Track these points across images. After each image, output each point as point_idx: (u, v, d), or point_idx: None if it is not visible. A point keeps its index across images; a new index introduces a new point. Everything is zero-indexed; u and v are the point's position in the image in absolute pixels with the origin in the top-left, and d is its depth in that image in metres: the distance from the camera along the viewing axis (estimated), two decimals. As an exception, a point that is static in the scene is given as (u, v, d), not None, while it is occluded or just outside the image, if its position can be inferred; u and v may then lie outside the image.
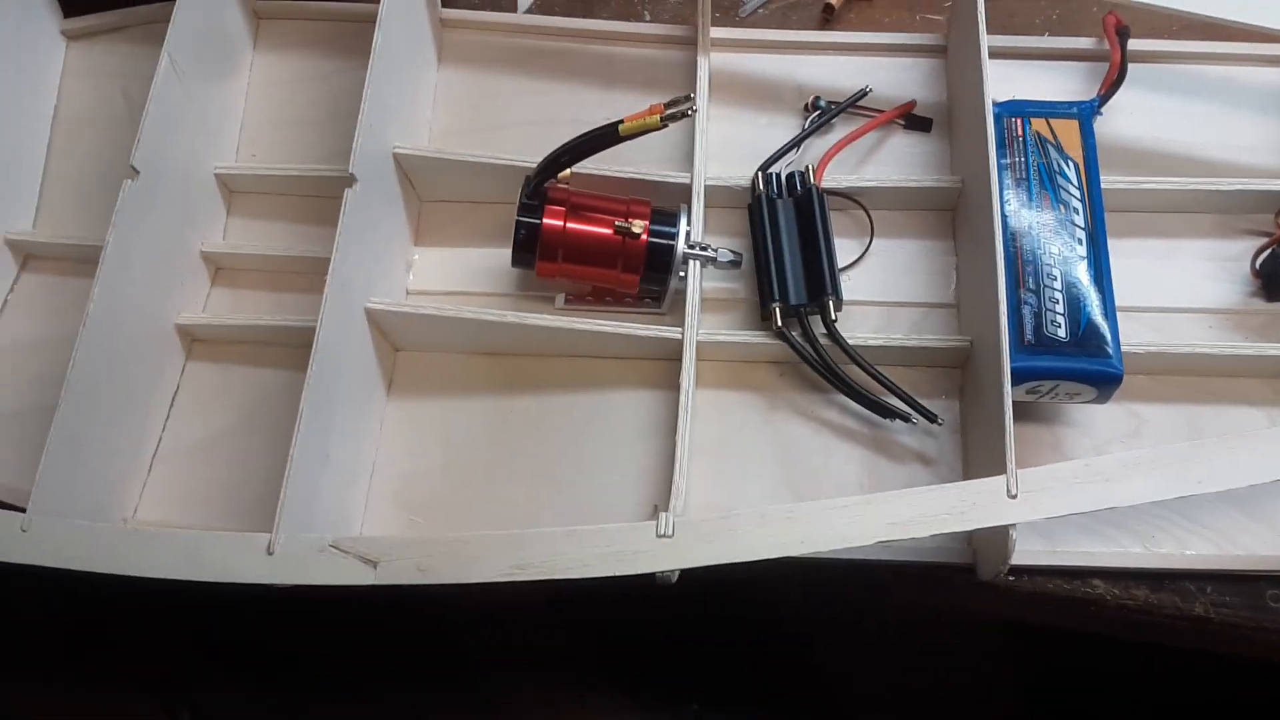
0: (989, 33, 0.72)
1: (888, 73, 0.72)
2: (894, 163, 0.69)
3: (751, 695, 1.07)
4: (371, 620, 1.07)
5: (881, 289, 0.66)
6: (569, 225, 0.61)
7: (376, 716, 1.11)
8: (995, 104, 0.62)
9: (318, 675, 1.13)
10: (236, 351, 0.67)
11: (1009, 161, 0.61)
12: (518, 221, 0.61)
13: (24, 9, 0.72)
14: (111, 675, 1.04)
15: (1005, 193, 0.60)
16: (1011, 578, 0.59)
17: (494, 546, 0.51)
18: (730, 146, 0.69)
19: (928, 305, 0.65)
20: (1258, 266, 0.62)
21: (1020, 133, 0.61)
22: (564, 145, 0.60)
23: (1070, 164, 0.60)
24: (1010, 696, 1.02)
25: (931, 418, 0.59)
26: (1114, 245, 0.64)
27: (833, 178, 0.66)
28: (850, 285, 0.65)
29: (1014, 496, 0.50)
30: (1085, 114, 0.62)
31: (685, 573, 0.52)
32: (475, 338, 0.65)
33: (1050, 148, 0.61)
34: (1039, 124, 0.61)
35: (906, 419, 0.60)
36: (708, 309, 0.66)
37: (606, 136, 0.58)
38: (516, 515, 0.61)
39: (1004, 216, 0.59)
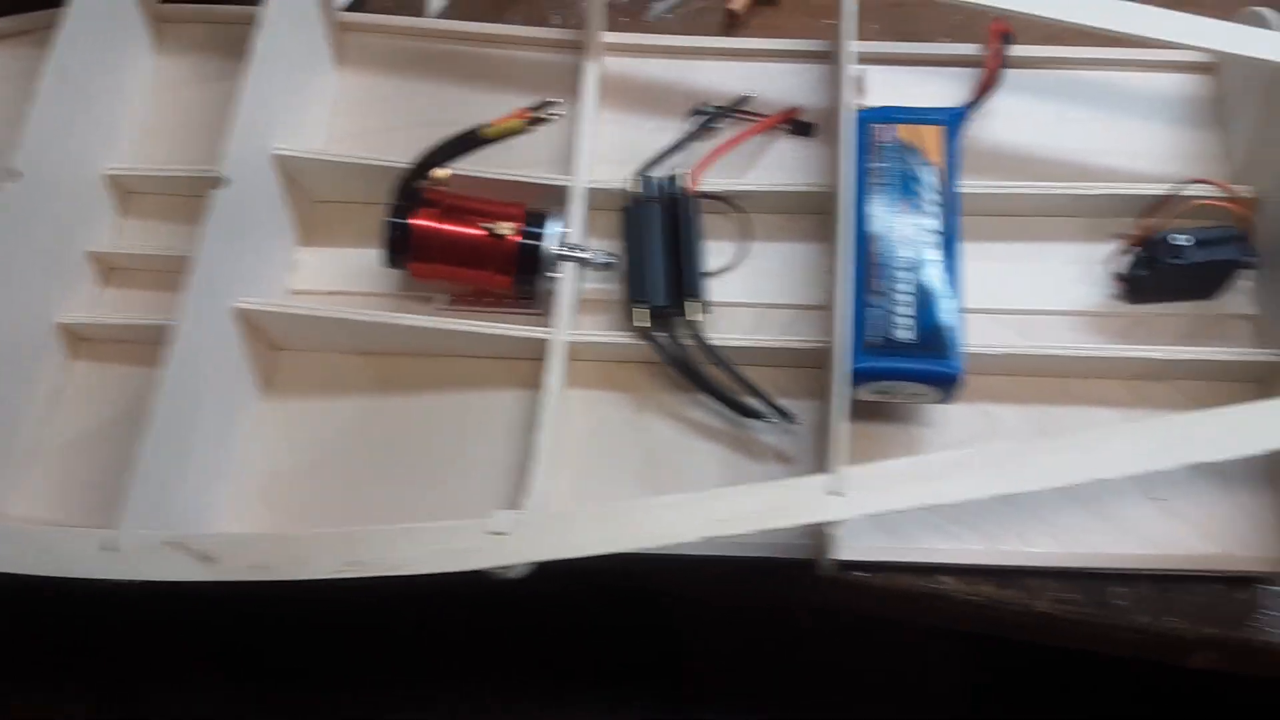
0: (888, 39, 0.74)
1: (782, 79, 0.73)
2: (777, 168, 0.70)
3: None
4: (323, 616, 1.08)
5: (757, 291, 0.67)
6: (439, 226, 0.62)
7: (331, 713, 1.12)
8: (862, 111, 0.63)
9: (274, 676, 1.15)
10: (119, 351, 0.68)
11: (872, 166, 0.62)
12: (388, 222, 0.62)
13: None
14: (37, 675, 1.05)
15: (866, 197, 0.61)
16: (866, 574, 0.60)
17: (327, 544, 0.52)
18: (622, 150, 0.70)
19: (802, 307, 0.66)
20: (1118, 271, 0.63)
21: (884, 138, 0.62)
22: (432, 147, 0.61)
23: (931, 170, 0.61)
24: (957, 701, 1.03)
25: (788, 417, 0.60)
26: (983, 249, 0.65)
27: (716, 182, 0.67)
28: (726, 288, 0.66)
29: (837, 494, 0.51)
30: (951, 121, 0.63)
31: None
32: (352, 338, 0.66)
33: (913, 154, 0.61)
34: (904, 130, 0.62)
35: (764, 418, 0.61)
36: (588, 310, 0.67)
37: (471, 139, 0.60)
38: (382, 514, 0.62)
39: (861, 220, 0.60)
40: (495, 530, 0.51)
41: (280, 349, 0.68)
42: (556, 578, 0.59)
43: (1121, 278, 0.63)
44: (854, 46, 0.64)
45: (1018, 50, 0.70)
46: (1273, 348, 0.60)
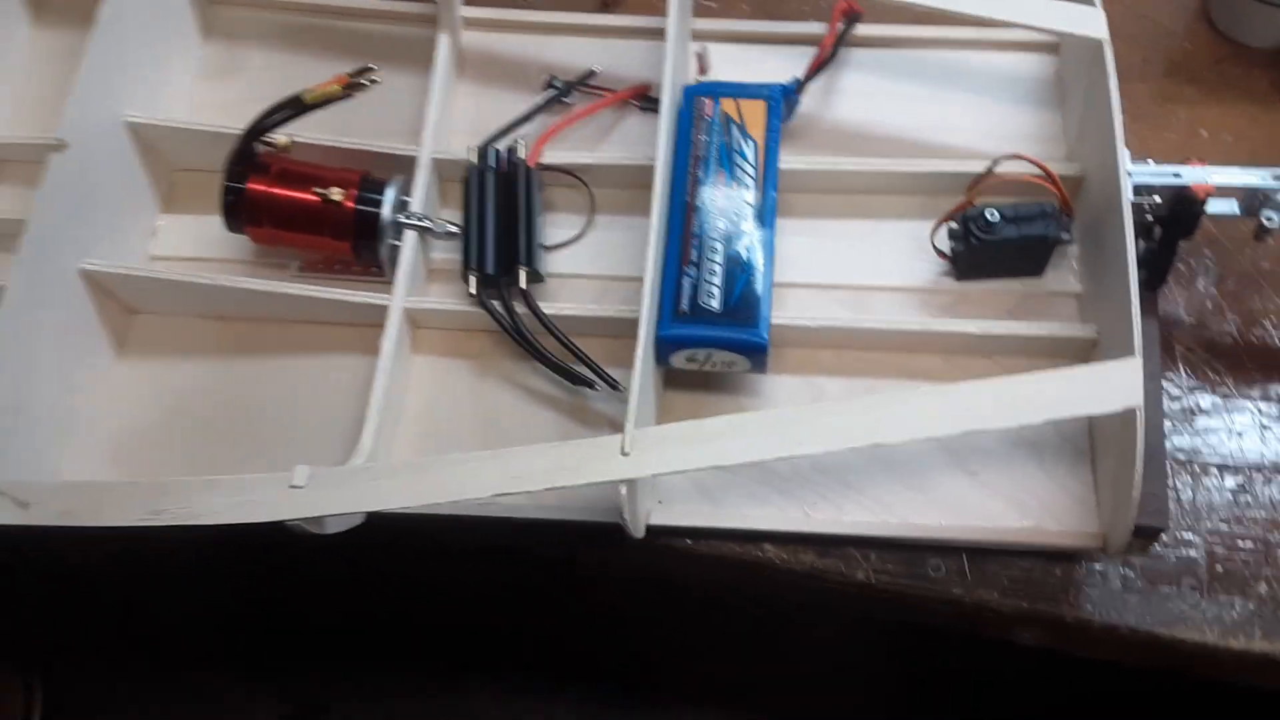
0: (758, 19, 0.75)
1: (639, 55, 0.74)
2: (626, 142, 0.71)
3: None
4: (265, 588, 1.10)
5: (601, 263, 0.68)
6: (273, 190, 0.64)
7: (270, 685, 1.14)
8: (688, 86, 0.65)
9: (181, 639, 1.17)
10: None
11: (696, 139, 0.63)
12: (223, 186, 0.64)
13: None
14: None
15: (687, 170, 0.62)
16: (690, 541, 0.61)
17: (134, 493, 0.53)
18: (477, 122, 0.71)
19: (640, 280, 0.67)
20: (943, 248, 0.64)
21: (709, 113, 0.63)
22: (262, 112, 0.62)
23: (750, 143, 0.62)
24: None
25: (614, 385, 0.61)
26: (815, 225, 0.67)
27: (562, 155, 0.69)
28: (571, 259, 0.68)
29: (626, 454, 0.52)
30: (775, 96, 0.64)
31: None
32: (201, 302, 0.67)
33: (734, 127, 0.62)
34: (727, 104, 0.63)
35: (592, 386, 0.62)
36: (438, 279, 0.68)
37: (295, 104, 0.61)
38: (226, 473, 0.63)
39: (680, 192, 0.61)
40: (292, 484, 0.53)
41: (135, 312, 0.69)
42: (384, 531, 0.61)
43: (943, 254, 0.63)
44: (680, 23, 0.65)
45: (866, 29, 0.71)
46: (1094, 324, 0.61)
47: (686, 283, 0.58)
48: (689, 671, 1.11)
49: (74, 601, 1.16)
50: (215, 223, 0.71)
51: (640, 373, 0.55)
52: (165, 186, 0.72)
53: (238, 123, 0.67)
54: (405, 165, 0.67)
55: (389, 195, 0.64)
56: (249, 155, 0.63)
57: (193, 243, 0.71)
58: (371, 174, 0.66)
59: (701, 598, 0.71)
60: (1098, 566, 0.59)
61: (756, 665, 1.09)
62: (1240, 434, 0.62)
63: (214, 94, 0.75)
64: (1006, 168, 0.62)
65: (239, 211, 0.64)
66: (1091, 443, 0.60)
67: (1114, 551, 0.56)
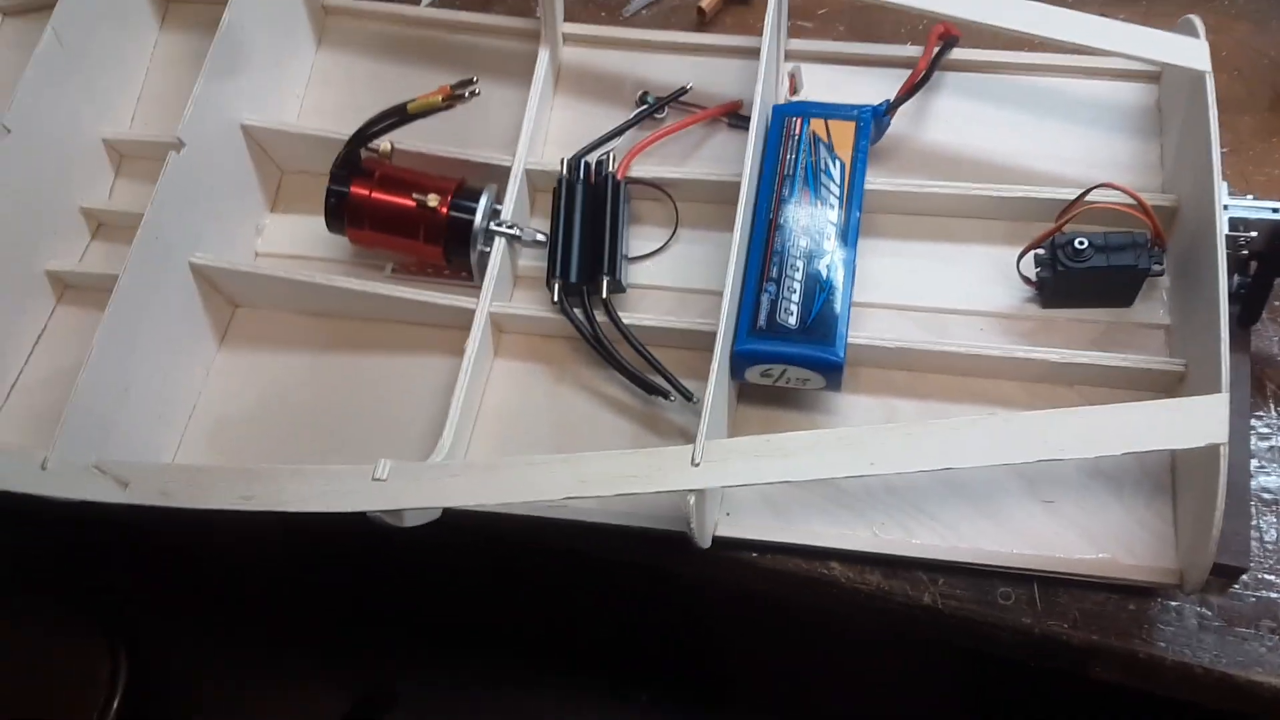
0: (851, 40, 0.76)
1: (732, 74, 0.75)
2: (714, 159, 0.72)
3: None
4: (340, 563, 1.14)
5: (683, 276, 0.69)
6: (374, 195, 0.66)
7: (343, 670, 1.18)
8: (778, 105, 0.65)
9: (261, 619, 1.21)
10: (102, 299, 0.73)
11: (783, 158, 0.63)
12: (327, 189, 0.67)
13: None
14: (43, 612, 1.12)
15: (772, 188, 0.63)
16: (755, 553, 0.62)
17: (228, 478, 0.56)
18: (573, 134, 0.73)
19: (719, 293, 0.68)
20: (1029, 274, 0.63)
21: (797, 132, 0.64)
22: (368, 121, 0.65)
23: (837, 163, 0.62)
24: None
25: (688, 395, 0.62)
26: (898, 246, 0.67)
27: (650, 169, 0.70)
28: (654, 271, 0.69)
29: (696, 465, 0.53)
30: (864, 118, 0.64)
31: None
32: (296, 297, 0.70)
33: (822, 147, 0.63)
34: (816, 124, 0.64)
35: (666, 395, 0.63)
36: (523, 285, 0.70)
37: (397, 112, 0.64)
38: (313, 462, 0.66)
39: (764, 210, 0.62)
40: (376, 477, 0.55)
41: (237, 305, 0.73)
42: (462, 530, 0.63)
43: (1029, 280, 0.63)
44: (775, 43, 0.66)
45: (962, 54, 0.71)
46: (1182, 358, 0.60)
47: (765, 299, 0.59)
48: (754, 681, 1.11)
49: (162, 572, 1.21)
50: (317, 223, 0.74)
51: (715, 385, 0.56)
52: (273, 186, 0.76)
53: (344, 128, 0.70)
54: (499, 174, 0.70)
55: (482, 203, 0.66)
56: (353, 160, 0.66)
57: (295, 241, 0.75)
58: (467, 182, 0.68)
59: (766, 607, 0.72)
60: (1173, 604, 0.58)
61: (818, 677, 1.08)
62: (1331, 477, 0.60)
63: (323, 100, 0.79)
64: (1098, 196, 0.61)
65: (341, 214, 0.67)
66: (1173, 478, 0.59)
67: (1191, 589, 0.54)
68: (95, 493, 0.57)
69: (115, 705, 0.93)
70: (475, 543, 0.77)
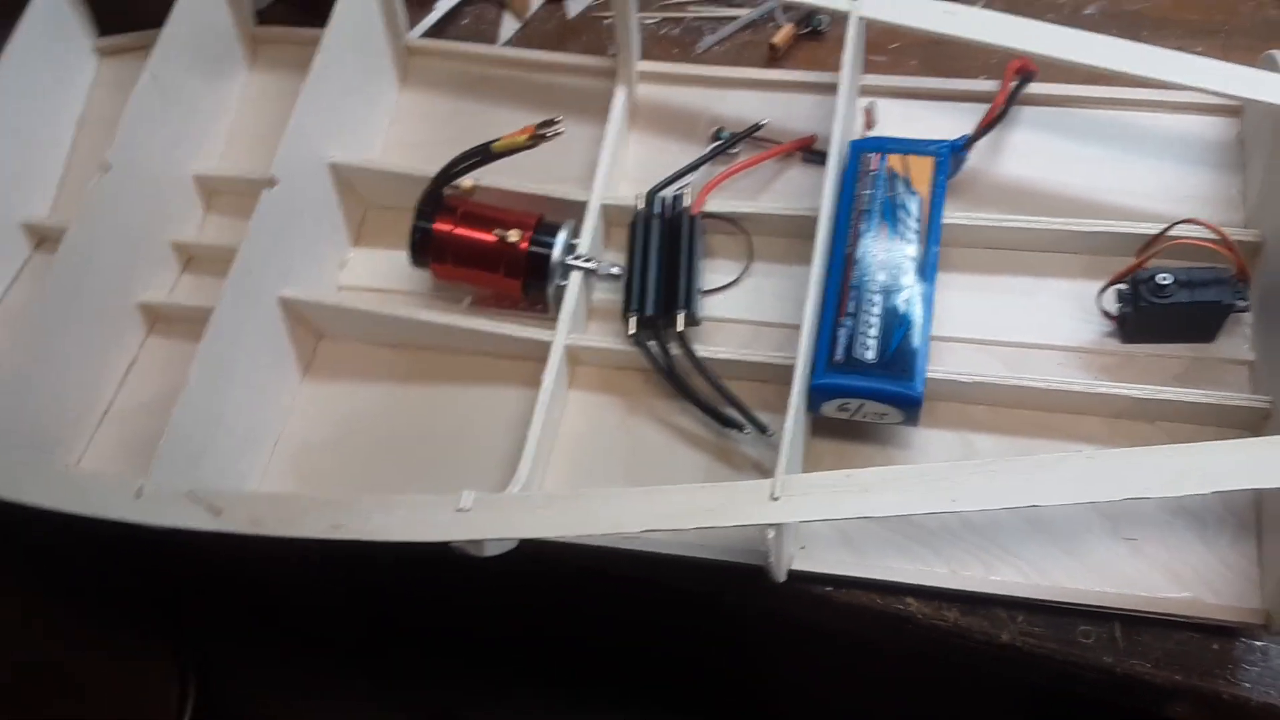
0: (925, 75, 0.76)
1: (806, 109, 0.76)
2: (788, 193, 0.73)
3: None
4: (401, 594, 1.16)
5: (756, 309, 0.70)
6: (455, 230, 0.68)
7: (397, 692, 1.19)
8: (855, 141, 0.66)
9: (332, 647, 1.23)
10: (191, 330, 0.76)
11: (860, 193, 0.64)
12: (412, 225, 0.69)
13: (58, 28, 0.84)
14: (118, 636, 1.15)
15: (849, 222, 0.63)
16: (829, 588, 0.62)
17: (316, 508, 0.58)
18: (648, 170, 0.74)
19: (794, 327, 0.68)
20: (1110, 309, 0.63)
21: (874, 167, 0.64)
22: (453, 159, 0.67)
23: (915, 198, 0.63)
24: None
25: (763, 429, 0.63)
26: (977, 281, 0.67)
27: (725, 203, 0.71)
28: (727, 304, 0.70)
29: (776, 499, 0.53)
30: (943, 153, 0.65)
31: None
32: (379, 330, 0.72)
33: (899, 182, 0.63)
34: (894, 160, 0.64)
35: (740, 428, 0.63)
36: (597, 318, 0.71)
37: (483, 152, 0.65)
38: (394, 491, 0.68)
39: (841, 244, 0.62)
40: (460, 507, 0.56)
41: (322, 337, 0.75)
42: (541, 560, 0.64)
43: (1110, 315, 0.63)
44: (851, 79, 0.67)
45: (1039, 88, 0.71)
46: (1268, 394, 0.59)
47: (842, 333, 0.59)
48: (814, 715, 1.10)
49: (230, 597, 1.24)
50: (399, 257, 0.76)
51: (793, 419, 0.56)
52: (357, 221, 0.78)
53: (426, 164, 0.72)
54: (576, 210, 0.71)
55: (560, 238, 0.68)
56: (437, 197, 0.68)
57: (377, 275, 0.77)
58: (546, 218, 0.69)
59: (834, 646, 0.71)
60: (1259, 644, 0.57)
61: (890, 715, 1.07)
62: None
63: (406, 136, 0.81)
64: (1180, 231, 0.61)
65: (425, 249, 0.68)
66: (1258, 516, 0.58)
67: (1278, 630, 0.53)
68: (188, 520, 0.59)
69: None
70: (539, 569, 0.78)
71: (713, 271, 0.71)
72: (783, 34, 0.83)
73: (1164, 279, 0.59)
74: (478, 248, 0.68)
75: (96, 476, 0.62)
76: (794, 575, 0.61)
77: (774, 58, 0.84)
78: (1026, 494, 0.51)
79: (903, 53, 0.82)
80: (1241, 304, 0.59)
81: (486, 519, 0.56)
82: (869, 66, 0.78)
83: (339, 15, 0.73)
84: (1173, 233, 0.61)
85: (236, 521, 0.58)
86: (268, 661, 1.22)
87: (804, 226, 0.70)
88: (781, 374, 0.65)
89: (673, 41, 0.87)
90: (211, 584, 1.24)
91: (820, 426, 0.65)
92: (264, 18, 0.88)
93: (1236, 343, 0.63)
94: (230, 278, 0.66)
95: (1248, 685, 0.56)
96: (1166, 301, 0.59)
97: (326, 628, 1.24)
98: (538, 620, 1.19)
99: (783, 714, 1.11)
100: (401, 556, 0.62)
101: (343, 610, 1.24)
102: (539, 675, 1.18)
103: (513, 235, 0.67)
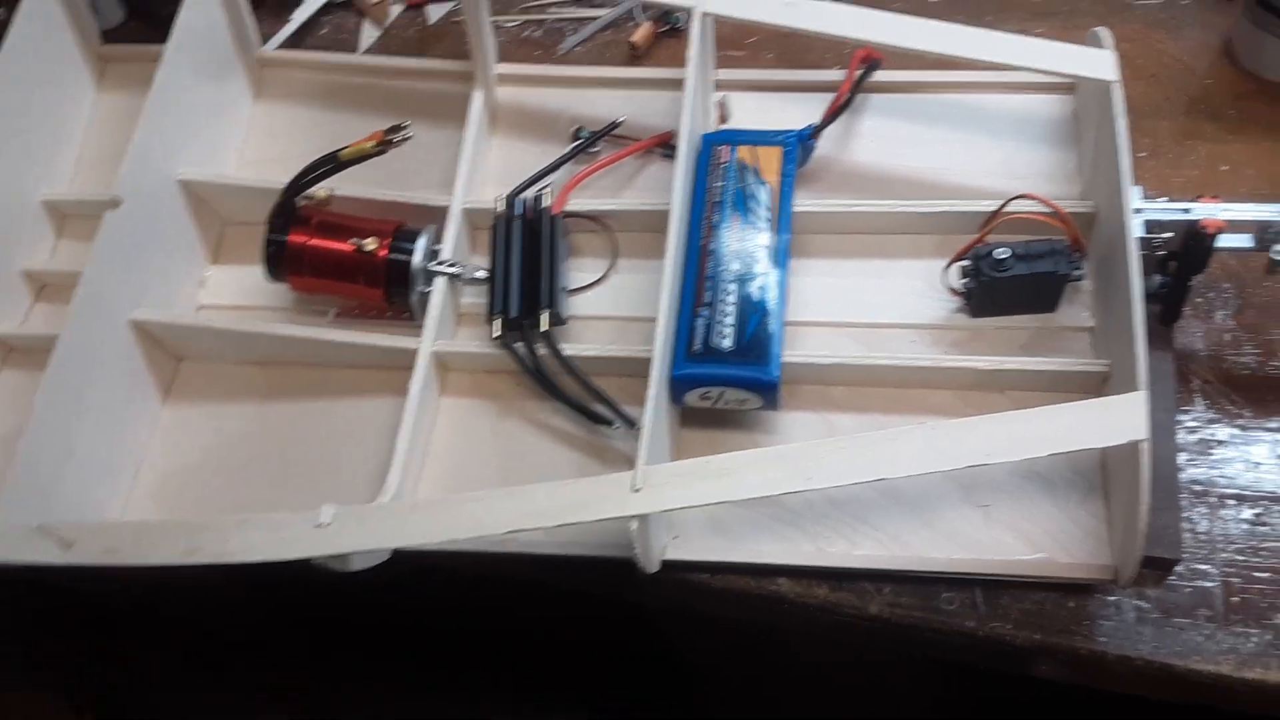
0: (782, 67, 0.78)
1: (663, 105, 0.76)
2: (650, 189, 0.74)
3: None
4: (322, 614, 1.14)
5: (622, 305, 0.70)
6: (311, 241, 0.67)
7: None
8: (707, 134, 0.67)
9: (235, 670, 1.20)
10: (44, 360, 0.73)
11: (712, 185, 0.65)
12: (265, 238, 0.68)
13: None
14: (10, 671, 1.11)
15: (703, 214, 0.64)
16: (705, 574, 0.63)
17: (171, 532, 0.56)
18: (511, 172, 0.74)
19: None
20: (955, 285, 0.65)
21: (725, 159, 0.65)
22: (303, 169, 0.66)
23: (765, 188, 0.64)
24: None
25: (631, 423, 0.63)
26: (830, 265, 0.68)
27: (586, 202, 0.71)
28: (593, 301, 0.70)
29: (637, 490, 0.54)
30: (790, 143, 0.66)
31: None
32: (240, 348, 0.71)
33: (749, 173, 0.65)
34: (744, 151, 0.65)
35: (610, 424, 0.64)
36: (467, 323, 0.71)
37: (331, 160, 0.65)
38: (261, 513, 0.66)
39: (695, 236, 0.63)
40: (319, 522, 0.55)
41: (181, 359, 0.73)
42: (435, 570, 0.63)
43: (956, 291, 0.64)
44: (700, 74, 0.68)
45: (885, 75, 0.73)
46: (1106, 359, 0.62)
47: (700, 323, 0.60)
48: (720, 703, 1.11)
49: (124, 630, 1.20)
50: (259, 273, 0.75)
51: (652, 410, 0.57)
52: (214, 239, 0.77)
53: (282, 177, 0.71)
54: (438, 215, 0.71)
55: (420, 244, 0.67)
56: (290, 209, 0.67)
57: (238, 292, 0.75)
58: (406, 224, 0.69)
59: (727, 630, 0.72)
60: (1111, 599, 0.59)
61: (785, 695, 1.09)
62: (1258, 464, 0.62)
63: (263, 150, 0.80)
64: (1017, 206, 0.63)
65: (280, 262, 0.67)
66: (1104, 476, 0.60)
67: (1125, 583, 0.56)
68: (39, 555, 0.57)
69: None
70: (439, 579, 0.77)
71: (579, 270, 0.72)
72: (642, 33, 0.84)
73: (1002, 253, 0.61)
74: (335, 258, 0.67)
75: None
76: (668, 565, 0.61)
77: (635, 56, 0.85)
78: (877, 467, 0.53)
79: (759, 46, 0.83)
80: (1076, 273, 0.61)
81: (346, 532, 0.55)
82: (725, 61, 0.79)
83: (180, 29, 0.72)
84: (1010, 208, 0.63)
85: (90, 553, 0.57)
86: (170, 687, 1.19)
87: (665, 221, 0.70)
88: (646, 368, 0.66)
89: (535, 44, 0.88)
90: (103, 620, 1.20)
91: (689, 417, 0.66)
92: (113, 36, 0.85)
93: (1077, 310, 0.65)
94: (74, 304, 0.64)
95: (1104, 639, 0.59)
96: (1006, 275, 0.61)
97: (231, 651, 1.21)
98: (425, 626, 1.17)
99: (704, 706, 1.12)
100: (294, 578, 0.61)
101: (249, 630, 1.21)
102: (451, 686, 1.16)
103: (370, 243, 0.66)
